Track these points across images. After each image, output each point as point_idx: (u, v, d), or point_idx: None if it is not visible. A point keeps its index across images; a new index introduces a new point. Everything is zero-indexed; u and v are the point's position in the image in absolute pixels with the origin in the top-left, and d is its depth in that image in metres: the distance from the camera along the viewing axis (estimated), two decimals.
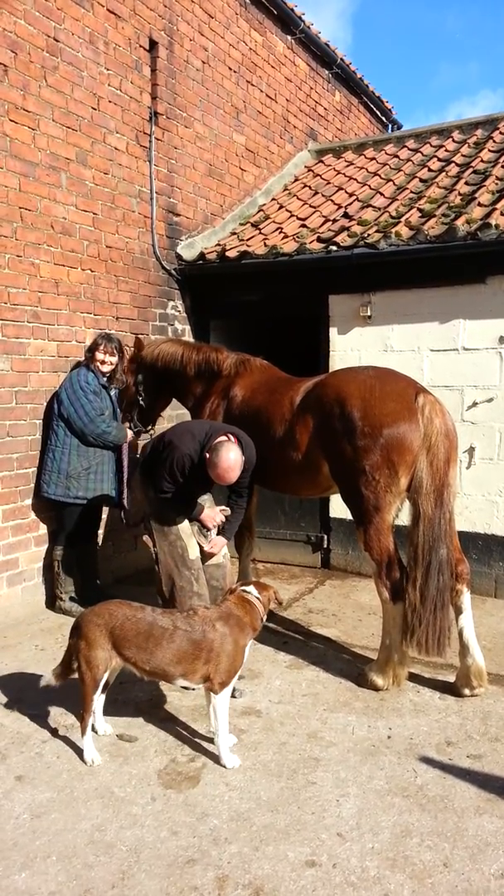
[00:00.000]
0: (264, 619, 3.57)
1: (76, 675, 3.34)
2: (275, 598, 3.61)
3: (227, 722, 3.33)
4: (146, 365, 5.19)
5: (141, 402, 5.33)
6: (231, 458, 3.76)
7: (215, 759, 3.34)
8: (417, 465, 3.92)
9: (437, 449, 3.90)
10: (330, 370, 6.00)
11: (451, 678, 4.13)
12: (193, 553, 4.12)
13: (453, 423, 4.12)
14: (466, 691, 3.98)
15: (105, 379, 5.23)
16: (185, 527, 4.12)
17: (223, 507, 4.28)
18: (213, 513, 4.21)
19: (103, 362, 5.19)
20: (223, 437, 3.93)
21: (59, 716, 3.74)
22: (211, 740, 3.45)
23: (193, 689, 3.71)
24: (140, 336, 5.22)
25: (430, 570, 3.87)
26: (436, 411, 3.97)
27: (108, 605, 3.42)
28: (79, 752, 3.39)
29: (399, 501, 4.05)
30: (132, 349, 5.37)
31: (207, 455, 3.83)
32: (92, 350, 5.22)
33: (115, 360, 5.23)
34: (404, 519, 4.15)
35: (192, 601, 4.03)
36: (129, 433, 5.35)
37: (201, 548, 4.22)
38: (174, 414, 6.16)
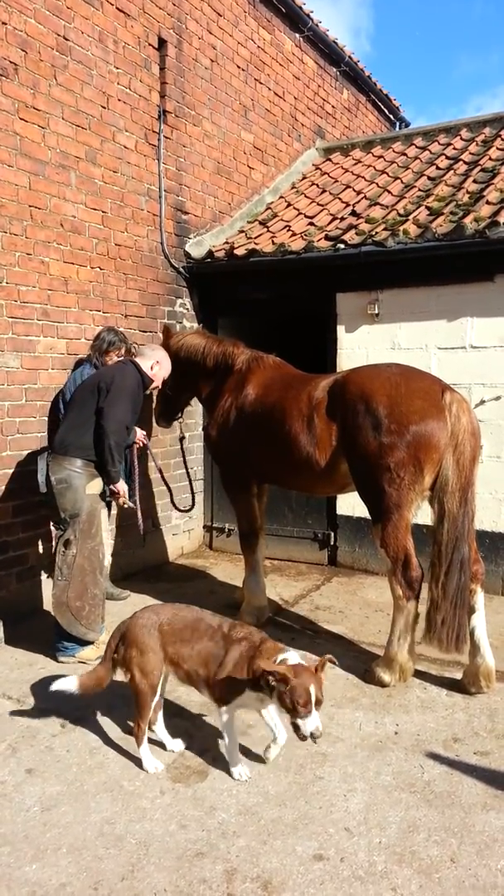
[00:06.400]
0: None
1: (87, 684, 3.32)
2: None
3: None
4: (171, 355, 5.02)
5: (168, 392, 5.31)
6: (158, 348, 4.56)
7: (223, 754, 3.36)
8: (444, 463, 3.89)
9: (464, 447, 3.88)
10: (337, 368, 6.02)
11: (458, 675, 4.14)
12: (107, 559, 4.23)
13: (478, 421, 4.11)
14: (473, 690, 3.98)
15: None
16: (105, 528, 4.24)
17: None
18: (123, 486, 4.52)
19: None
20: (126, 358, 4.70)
21: (70, 710, 3.77)
22: (220, 735, 3.48)
23: None
24: (167, 324, 5.31)
25: (452, 568, 3.87)
26: (462, 409, 3.94)
27: (148, 609, 3.46)
28: (92, 748, 3.42)
29: (420, 499, 4.03)
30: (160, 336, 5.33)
31: (152, 365, 4.54)
32: (105, 352, 5.12)
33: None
34: (420, 518, 4.15)
35: (100, 610, 4.31)
36: (139, 431, 5.36)
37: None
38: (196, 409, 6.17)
